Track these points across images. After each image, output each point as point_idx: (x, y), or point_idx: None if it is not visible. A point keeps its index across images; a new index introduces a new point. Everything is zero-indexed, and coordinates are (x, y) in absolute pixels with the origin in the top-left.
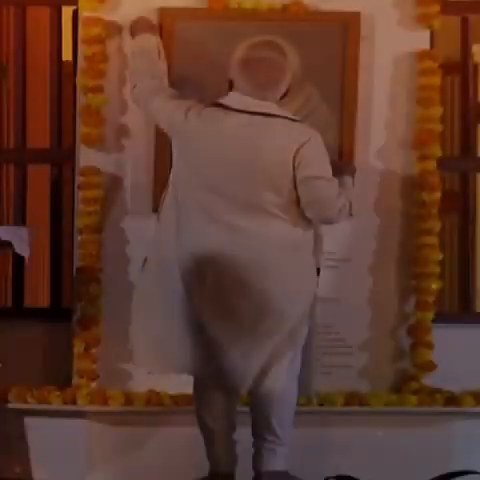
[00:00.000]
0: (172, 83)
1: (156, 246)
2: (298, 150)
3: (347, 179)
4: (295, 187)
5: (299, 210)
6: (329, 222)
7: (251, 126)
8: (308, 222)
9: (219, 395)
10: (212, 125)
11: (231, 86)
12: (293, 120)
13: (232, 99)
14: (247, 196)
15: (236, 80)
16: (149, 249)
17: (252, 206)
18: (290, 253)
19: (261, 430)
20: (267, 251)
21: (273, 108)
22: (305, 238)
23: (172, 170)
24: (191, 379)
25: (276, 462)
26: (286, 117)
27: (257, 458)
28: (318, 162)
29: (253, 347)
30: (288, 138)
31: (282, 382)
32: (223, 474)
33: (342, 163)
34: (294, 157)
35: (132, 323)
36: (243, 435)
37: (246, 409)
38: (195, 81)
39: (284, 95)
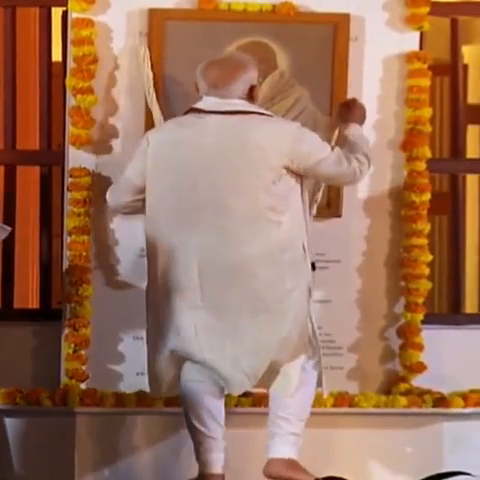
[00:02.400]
0: (162, 84)
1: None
2: (291, 141)
3: (356, 129)
4: (284, 179)
5: (287, 204)
6: (353, 184)
7: (231, 124)
8: (297, 216)
9: (208, 397)
10: (191, 129)
11: (197, 89)
12: (267, 115)
13: (206, 102)
14: (236, 197)
15: (198, 82)
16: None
17: (240, 208)
18: (280, 253)
19: (277, 417)
20: (258, 253)
21: (245, 105)
22: (294, 236)
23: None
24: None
25: (287, 450)
26: (260, 113)
27: (270, 445)
28: (313, 146)
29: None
30: (274, 131)
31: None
32: (213, 475)
33: (349, 110)
34: (289, 149)
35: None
36: (234, 436)
37: (238, 410)
38: (185, 82)
39: (250, 94)
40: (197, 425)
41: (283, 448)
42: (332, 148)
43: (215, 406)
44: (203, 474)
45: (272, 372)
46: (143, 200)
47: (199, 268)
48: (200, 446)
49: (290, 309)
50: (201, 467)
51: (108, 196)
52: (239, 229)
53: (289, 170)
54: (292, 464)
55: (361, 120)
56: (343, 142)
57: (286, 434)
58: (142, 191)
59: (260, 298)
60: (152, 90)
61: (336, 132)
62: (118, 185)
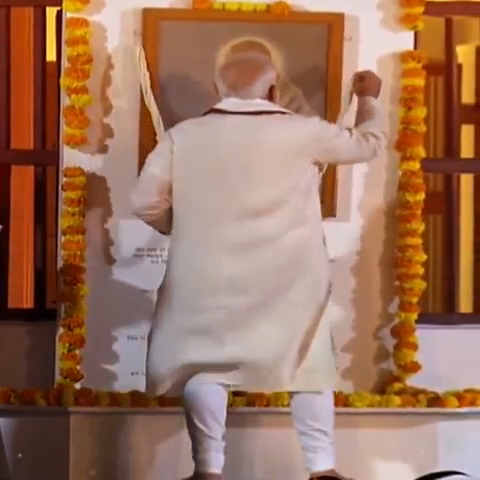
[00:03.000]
0: (157, 84)
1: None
2: (315, 137)
3: (371, 102)
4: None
5: (309, 199)
6: (373, 158)
7: (256, 124)
8: (317, 211)
9: (212, 396)
10: (214, 130)
11: (216, 89)
12: (288, 113)
13: (227, 103)
14: (265, 196)
15: (217, 83)
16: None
17: (270, 207)
18: (307, 250)
19: (312, 432)
20: (288, 249)
21: (267, 105)
22: (317, 230)
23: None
24: None
25: (331, 461)
26: (282, 112)
27: (314, 459)
28: (335, 137)
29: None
30: (298, 128)
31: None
32: (210, 475)
33: (363, 82)
34: (313, 144)
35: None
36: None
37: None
38: (180, 82)
39: (270, 94)
40: (198, 424)
41: (328, 460)
42: (349, 130)
43: (218, 406)
44: (200, 473)
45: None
46: (168, 202)
47: (232, 268)
48: (199, 445)
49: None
50: (198, 466)
51: (134, 198)
52: (270, 228)
53: (312, 165)
54: (334, 473)
55: (376, 92)
56: (359, 116)
57: (328, 446)
58: (169, 190)
59: (292, 296)
60: (149, 90)
61: (348, 104)
62: (143, 185)
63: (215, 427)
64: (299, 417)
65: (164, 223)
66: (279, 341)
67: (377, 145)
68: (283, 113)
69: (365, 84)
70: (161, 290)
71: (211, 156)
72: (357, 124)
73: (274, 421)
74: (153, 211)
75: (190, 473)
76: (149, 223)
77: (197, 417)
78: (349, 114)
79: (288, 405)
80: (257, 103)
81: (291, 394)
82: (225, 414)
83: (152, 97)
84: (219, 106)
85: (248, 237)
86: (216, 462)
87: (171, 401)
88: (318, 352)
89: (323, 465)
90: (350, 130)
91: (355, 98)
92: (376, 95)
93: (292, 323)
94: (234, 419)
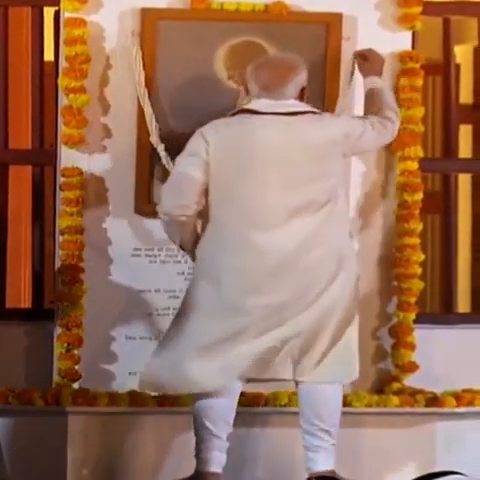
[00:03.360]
0: (155, 84)
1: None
2: (345, 134)
3: (378, 83)
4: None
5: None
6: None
7: (290, 124)
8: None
9: (222, 396)
10: (248, 129)
11: (247, 91)
12: (318, 113)
13: (259, 104)
14: (303, 195)
15: (248, 84)
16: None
17: (308, 206)
18: (339, 248)
19: (317, 431)
20: (323, 248)
21: (299, 105)
22: (346, 225)
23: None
24: None
25: (331, 462)
26: (313, 111)
27: (316, 459)
28: (361, 131)
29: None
30: (330, 127)
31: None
32: (212, 474)
33: (366, 61)
34: (345, 141)
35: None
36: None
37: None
38: (178, 82)
39: (301, 95)
40: (206, 422)
41: (329, 461)
42: (370, 121)
43: (228, 405)
44: (201, 472)
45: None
46: (201, 204)
47: (271, 267)
48: (203, 443)
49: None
50: (199, 464)
51: (167, 199)
52: (307, 227)
53: (341, 160)
54: (334, 473)
55: (381, 71)
56: (370, 99)
57: (329, 446)
58: (204, 191)
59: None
60: (144, 89)
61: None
62: (177, 186)
63: (222, 426)
64: (306, 416)
65: (190, 234)
66: (311, 334)
67: (393, 129)
68: (314, 113)
69: (369, 63)
70: (194, 292)
71: (247, 156)
72: (369, 108)
73: (274, 421)
74: (187, 212)
75: (187, 472)
76: (174, 232)
77: (205, 415)
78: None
79: (285, 405)
80: (290, 104)
81: (300, 393)
82: (234, 414)
83: (147, 96)
84: (251, 106)
85: (291, 236)
86: (218, 461)
87: (169, 401)
88: (346, 345)
89: (323, 465)
90: (371, 120)
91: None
92: (381, 74)
93: (327, 317)
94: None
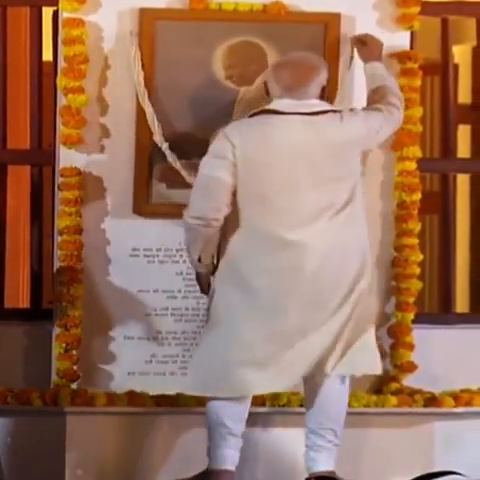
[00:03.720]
0: (153, 84)
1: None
2: (367, 130)
3: (380, 70)
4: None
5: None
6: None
7: (314, 124)
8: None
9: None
10: (272, 130)
11: (267, 90)
12: (339, 111)
13: (282, 104)
14: (333, 195)
15: (269, 84)
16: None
17: (336, 206)
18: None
19: (322, 430)
20: (352, 248)
21: (322, 105)
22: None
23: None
24: (173, 380)
25: (332, 463)
26: (334, 110)
27: (317, 458)
28: (379, 125)
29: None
30: (352, 124)
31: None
32: (226, 471)
33: (365, 46)
34: (366, 137)
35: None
36: None
37: None
38: (176, 82)
39: (322, 94)
40: (225, 421)
41: (329, 461)
42: (379, 111)
43: (246, 405)
44: (214, 470)
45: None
46: (230, 207)
47: (308, 266)
48: (220, 441)
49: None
50: (213, 462)
51: (198, 203)
52: (335, 227)
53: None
54: (334, 474)
55: (380, 55)
56: (372, 85)
57: (332, 447)
58: (233, 193)
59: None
60: (144, 89)
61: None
62: (206, 190)
63: (240, 425)
64: (314, 415)
65: (214, 241)
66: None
67: (399, 116)
68: (334, 111)
69: (368, 48)
70: (224, 299)
71: (274, 157)
72: (373, 95)
73: (274, 421)
74: (219, 215)
75: (186, 473)
76: (198, 240)
77: (225, 414)
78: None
79: (284, 405)
80: (313, 104)
81: (309, 392)
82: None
83: (146, 96)
84: (273, 107)
85: (323, 235)
86: (233, 460)
87: (168, 401)
88: (370, 338)
89: (324, 466)
90: (383, 113)
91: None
92: (381, 58)
93: (355, 311)
94: None
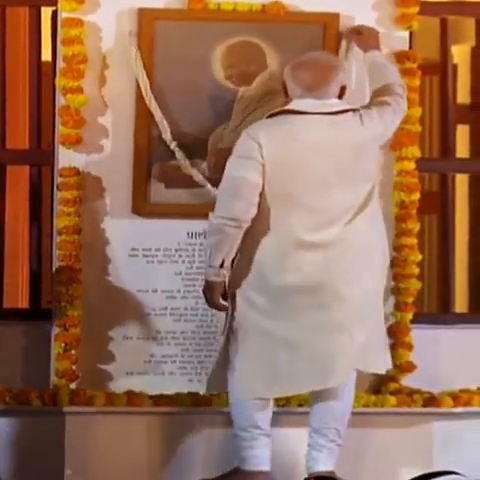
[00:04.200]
0: (152, 84)
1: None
2: (385, 127)
3: (380, 59)
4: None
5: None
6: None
7: (334, 124)
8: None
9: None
10: (297, 130)
11: (286, 90)
12: (357, 110)
13: (303, 104)
14: (358, 194)
15: (288, 84)
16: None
17: (361, 205)
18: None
19: (327, 430)
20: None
21: (342, 104)
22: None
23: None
24: (172, 380)
25: (333, 462)
26: (353, 109)
27: (319, 458)
28: (392, 119)
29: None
30: (371, 122)
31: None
32: (266, 473)
33: (362, 35)
34: (384, 135)
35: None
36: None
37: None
38: (175, 82)
39: (341, 93)
40: (258, 422)
41: (330, 461)
42: (390, 105)
43: (271, 405)
44: (251, 471)
45: None
46: (257, 207)
47: (339, 263)
48: (252, 442)
49: None
50: (248, 463)
51: (234, 206)
52: (363, 226)
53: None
54: (333, 474)
55: (378, 44)
56: (375, 75)
57: (334, 447)
58: (260, 194)
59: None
60: (149, 91)
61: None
62: (236, 190)
63: (268, 425)
64: (319, 414)
65: (237, 244)
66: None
67: (404, 105)
68: (354, 111)
69: (365, 38)
70: (250, 303)
71: (301, 156)
72: (376, 84)
73: (274, 421)
74: (249, 216)
75: (186, 472)
76: (225, 243)
77: (257, 414)
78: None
79: (280, 405)
80: (333, 103)
81: (314, 391)
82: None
83: (153, 98)
84: (295, 107)
85: (353, 234)
86: (267, 460)
87: (166, 401)
88: (376, 333)
89: (323, 465)
90: (392, 105)
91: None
92: (379, 47)
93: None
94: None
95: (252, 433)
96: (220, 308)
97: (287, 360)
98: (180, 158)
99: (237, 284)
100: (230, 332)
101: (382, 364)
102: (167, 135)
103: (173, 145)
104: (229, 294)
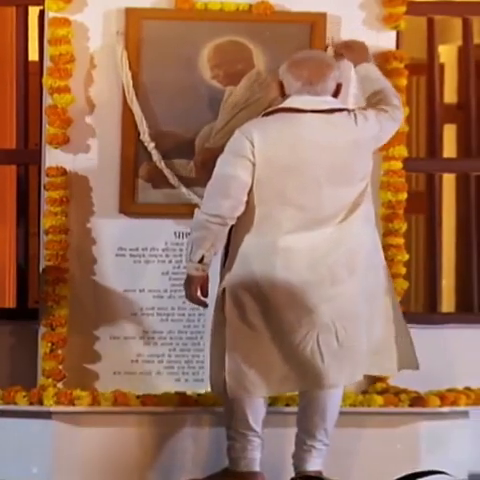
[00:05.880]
0: (139, 83)
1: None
2: (379, 130)
3: (374, 73)
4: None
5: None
6: None
7: (329, 123)
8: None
9: (260, 399)
10: (291, 128)
11: (282, 88)
12: (351, 110)
13: (301, 101)
14: (352, 194)
15: (286, 81)
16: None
17: (355, 205)
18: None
19: (315, 429)
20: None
21: (337, 103)
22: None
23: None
24: (159, 380)
25: (321, 462)
26: (348, 109)
27: (306, 458)
28: (386, 124)
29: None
30: (368, 124)
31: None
32: (260, 473)
33: (350, 49)
34: (380, 137)
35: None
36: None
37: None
38: (162, 81)
39: (336, 93)
40: (252, 424)
41: (318, 461)
42: (387, 112)
43: (263, 408)
44: (245, 472)
45: None
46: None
47: (327, 263)
48: (248, 444)
49: None
50: (241, 464)
51: (220, 203)
52: (356, 226)
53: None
54: (321, 474)
55: (369, 56)
56: (370, 88)
57: (322, 447)
58: (249, 192)
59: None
60: (132, 89)
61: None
62: (227, 189)
63: (260, 428)
64: (309, 415)
65: (220, 245)
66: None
67: (400, 116)
68: (348, 111)
69: (356, 52)
70: (240, 299)
71: (294, 155)
72: (371, 96)
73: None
74: (236, 213)
75: (173, 472)
76: (209, 237)
77: (251, 416)
78: None
79: (270, 405)
80: (329, 101)
81: (307, 393)
82: None
83: (134, 96)
84: (291, 105)
85: (338, 235)
86: (258, 461)
87: (153, 401)
88: (384, 336)
89: (312, 465)
90: (386, 111)
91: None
92: (370, 60)
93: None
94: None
95: (245, 435)
96: (197, 302)
97: (276, 359)
98: (157, 159)
99: (227, 281)
100: (221, 330)
101: (383, 367)
102: (145, 136)
103: (151, 146)
104: (220, 291)
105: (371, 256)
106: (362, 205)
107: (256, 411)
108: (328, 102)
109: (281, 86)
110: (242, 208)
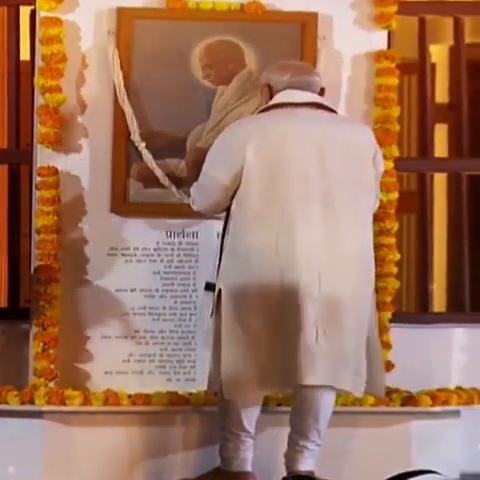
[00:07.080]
0: (131, 83)
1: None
2: (375, 149)
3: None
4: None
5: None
6: None
7: (326, 118)
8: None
9: (258, 397)
10: (292, 122)
11: (271, 90)
12: (339, 114)
13: (292, 96)
14: (344, 192)
15: (273, 80)
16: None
17: (349, 203)
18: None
19: (308, 430)
20: (359, 250)
21: (326, 101)
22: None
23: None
24: (151, 379)
25: (313, 462)
26: (335, 110)
27: (298, 458)
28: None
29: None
30: (363, 130)
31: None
32: (252, 473)
33: None
34: (374, 150)
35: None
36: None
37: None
38: (154, 80)
39: (321, 95)
40: (245, 425)
41: (310, 461)
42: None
43: (258, 409)
44: (238, 471)
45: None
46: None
47: (314, 259)
48: (241, 445)
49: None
50: (234, 464)
51: (201, 202)
52: (347, 224)
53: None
54: (313, 474)
55: None
56: None
57: (315, 447)
58: (235, 190)
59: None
60: (123, 89)
61: None
62: (209, 191)
63: (253, 428)
64: (303, 416)
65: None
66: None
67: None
68: (336, 112)
69: None
70: (239, 295)
71: (287, 149)
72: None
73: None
74: (218, 210)
75: (164, 471)
76: (210, 194)
77: (245, 417)
78: None
79: (262, 405)
80: (317, 97)
81: (301, 396)
82: None
83: (126, 96)
84: (281, 100)
85: (330, 235)
86: (250, 461)
87: (145, 400)
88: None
89: (304, 466)
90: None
91: None
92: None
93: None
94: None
95: (239, 435)
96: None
97: (272, 359)
98: (147, 160)
99: (222, 282)
100: (218, 330)
101: (350, 383)
102: (135, 136)
103: (141, 146)
104: (216, 291)
105: (362, 262)
106: (359, 209)
107: (250, 412)
108: (317, 97)
109: (269, 87)
110: (225, 203)
